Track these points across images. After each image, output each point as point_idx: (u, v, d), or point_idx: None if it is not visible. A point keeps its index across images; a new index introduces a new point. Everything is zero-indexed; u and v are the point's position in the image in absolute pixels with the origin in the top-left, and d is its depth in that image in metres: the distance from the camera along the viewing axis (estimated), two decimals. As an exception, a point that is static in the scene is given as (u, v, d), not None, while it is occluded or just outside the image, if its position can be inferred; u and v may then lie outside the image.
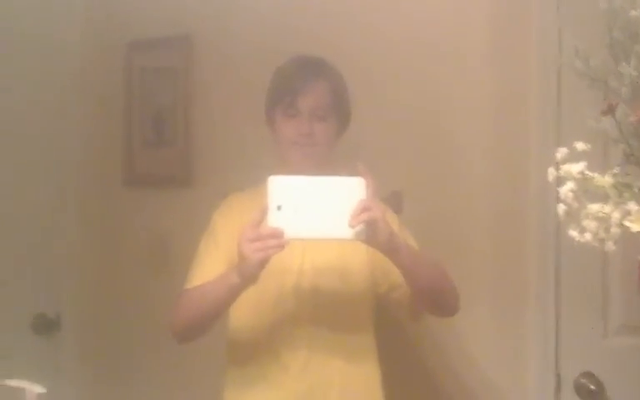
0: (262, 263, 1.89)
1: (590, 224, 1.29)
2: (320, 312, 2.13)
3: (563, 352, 2.56)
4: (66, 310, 3.07)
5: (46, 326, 3.04)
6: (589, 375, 2.54)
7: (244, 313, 2.14)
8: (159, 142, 2.97)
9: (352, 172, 1.89)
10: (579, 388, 2.54)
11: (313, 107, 2.16)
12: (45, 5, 2.88)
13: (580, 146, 1.33)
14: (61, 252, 3.05)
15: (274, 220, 1.85)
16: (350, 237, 1.87)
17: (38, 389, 1.38)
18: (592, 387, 2.52)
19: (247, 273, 1.92)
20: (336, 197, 1.86)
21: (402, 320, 2.39)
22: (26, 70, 2.90)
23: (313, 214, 1.86)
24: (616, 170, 1.30)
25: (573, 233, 1.31)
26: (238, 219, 2.09)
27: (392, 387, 2.23)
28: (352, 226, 1.85)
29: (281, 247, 1.87)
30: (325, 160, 2.17)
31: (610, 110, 1.23)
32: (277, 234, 1.86)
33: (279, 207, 1.85)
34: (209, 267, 2.15)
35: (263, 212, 1.87)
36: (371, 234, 1.88)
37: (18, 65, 2.88)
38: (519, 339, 2.61)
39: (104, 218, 2.98)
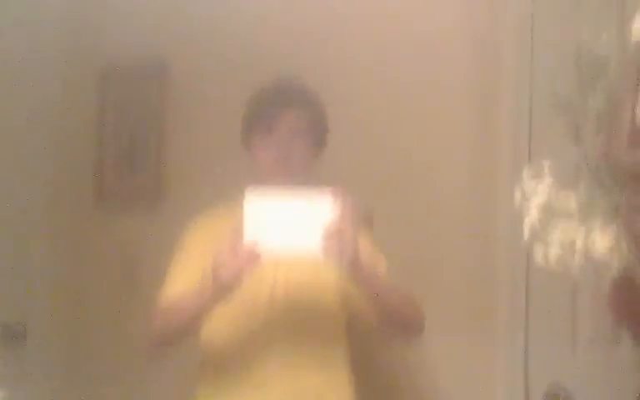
0: (238, 278, 1.90)
1: (555, 251, 1.29)
2: (293, 325, 2.13)
3: (532, 365, 2.57)
4: (32, 321, 3.04)
5: (11, 337, 3.00)
6: (558, 386, 2.55)
7: (217, 327, 2.13)
8: (131, 164, 2.99)
9: (327, 191, 1.89)
10: (548, 401, 2.55)
11: (290, 132, 2.16)
12: (20, 32, 2.89)
13: (546, 163, 1.33)
14: (29, 266, 3.02)
15: (250, 235, 1.86)
16: (322, 257, 1.88)
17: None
18: (562, 398, 2.53)
19: (222, 287, 1.93)
20: (311, 216, 1.87)
21: (371, 337, 2.38)
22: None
23: (288, 231, 1.87)
24: (581, 189, 1.30)
25: (539, 261, 1.31)
26: (209, 237, 2.08)
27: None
28: (323, 246, 1.86)
29: (255, 262, 1.88)
30: (301, 181, 2.15)
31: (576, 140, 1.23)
32: (252, 250, 1.87)
33: (255, 223, 1.86)
34: (181, 283, 2.13)
35: (239, 228, 1.87)
36: (339, 255, 1.89)
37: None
38: (488, 351, 2.62)
39: (74, 235, 2.97)
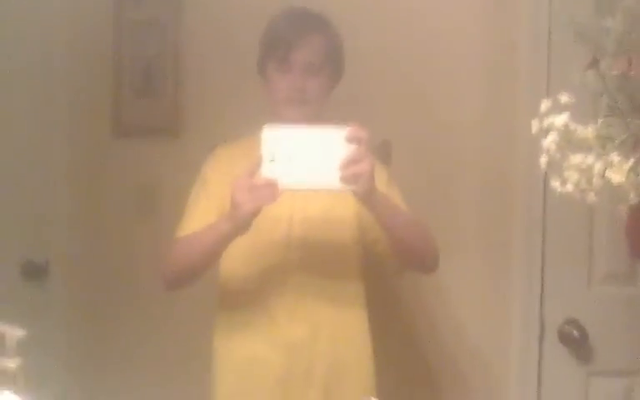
0: (255, 213, 1.91)
1: (572, 175, 1.30)
2: (309, 261, 2.14)
3: (548, 300, 2.59)
4: (54, 257, 3.07)
5: (34, 272, 3.04)
6: (573, 322, 2.57)
7: (234, 263, 2.15)
8: (148, 93, 2.96)
9: (344, 124, 1.89)
10: (563, 336, 2.58)
11: (307, 62, 2.13)
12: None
13: (564, 98, 1.33)
14: (50, 200, 3.04)
15: (268, 171, 1.87)
16: (339, 188, 1.89)
17: (18, 332, 1.39)
18: (576, 334, 2.56)
19: (239, 222, 1.94)
20: (328, 149, 1.87)
21: (386, 271, 2.40)
22: (13, 21, 2.87)
23: (305, 165, 1.88)
24: (599, 122, 1.30)
25: (555, 184, 1.32)
26: (228, 170, 2.09)
27: (377, 336, 2.25)
28: (341, 177, 1.86)
29: (274, 197, 1.89)
30: (317, 114, 2.15)
31: (594, 63, 1.23)
32: (270, 185, 1.88)
33: (273, 158, 1.87)
34: (200, 216, 2.15)
35: (257, 163, 1.88)
36: (357, 186, 1.89)
37: (4, 17, 2.85)
38: (504, 286, 2.64)
39: (93, 168, 2.97)
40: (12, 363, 1.37)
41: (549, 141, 1.31)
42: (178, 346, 2.77)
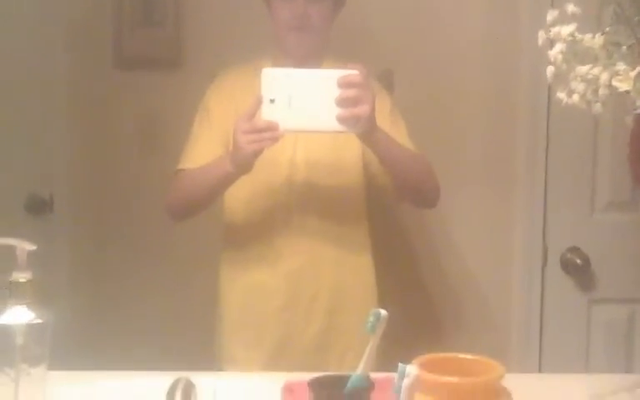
0: (256, 154, 1.91)
1: (578, 86, 1.30)
2: (312, 204, 2.14)
3: (550, 228, 2.60)
4: (58, 190, 3.07)
5: (39, 206, 3.04)
6: (576, 250, 2.59)
7: (237, 203, 2.16)
8: (149, 23, 2.95)
9: (346, 58, 1.87)
10: (565, 263, 2.60)
11: None
12: None
13: (570, 8, 1.32)
14: (52, 134, 3.03)
15: (268, 112, 1.87)
16: (339, 130, 1.88)
17: (28, 246, 1.40)
18: (578, 261, 2.58)
19: (241, 163, 1.95)
20: (328, 90, 1.85)
21: (387, 203, 2.41)
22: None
23: (306, 106, 1.86)
24: (606, 30, 1.30)
25: (561, 95, 1.32)
26: (231, 98, 2.09)
27: (380, 267, 2.27)
28: (340, 119, 1.85)
29: (275, 139, 1.89)
30: (320, 43, 2.13)
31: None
32: (271, 127, 1.87)
33: (272, 100, 1.86)
34: (203, 146, 2.15)
35: (257, 104, 1.87)
36: (356, 128, 1.89)
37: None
38: (507, 213, 2.65)
39: (94, 99, 2.95)
40: (22, 277, 1.38)
41: (555, 51, 1.30)
42: (183, 278, 2.78)
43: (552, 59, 1.29)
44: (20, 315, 1.37)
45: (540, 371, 2.59)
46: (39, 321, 1.37)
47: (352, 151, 2.13)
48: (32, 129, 2.97)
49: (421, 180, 2.15)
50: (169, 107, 2.77)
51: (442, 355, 1.33)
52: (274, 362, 2.12)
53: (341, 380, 1.31)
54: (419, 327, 2.64)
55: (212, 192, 2.12)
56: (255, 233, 2.16)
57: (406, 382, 1.20)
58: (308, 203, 2.13)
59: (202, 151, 2.14)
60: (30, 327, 1.37)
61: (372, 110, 1.88)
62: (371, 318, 1.30)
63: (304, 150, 2.13)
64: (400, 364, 1.21)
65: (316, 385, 1.32)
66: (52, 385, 1.43)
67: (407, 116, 2.22)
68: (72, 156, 2.99)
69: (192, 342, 2.41)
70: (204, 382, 1.46)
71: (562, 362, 2.54)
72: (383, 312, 1.29)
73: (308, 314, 2.15)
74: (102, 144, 2.94)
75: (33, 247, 1.41)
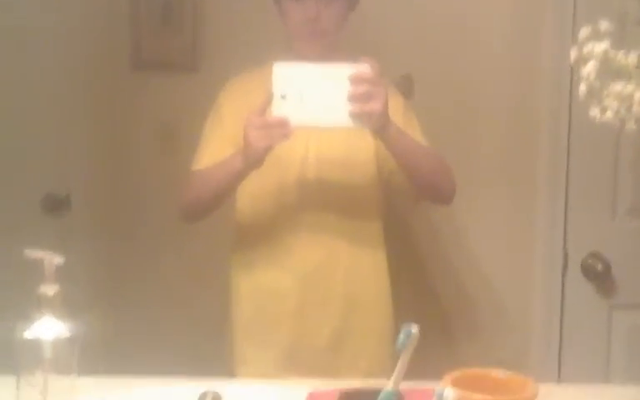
0: (267, 150, 1.91)
1: (612, 103, 1.28)
2: (324, 201, 2.12)
3: (571, 233, 2.59)
4: (75, 190, 3.08)
5: (55, 205, 3.06)
6: (596, 255, 2.57)
7: (249, 201, 2.15)
8: (167, 28, 2.98)
9: (358, 57, 1.86)
10: (586, 268, 2.58)
11: None
12: None
13: (604, 25, 1.31)
14: (70, 133, 3.04)
15: (279, 108, 1.85)
16: (352, 126, 1.87)
17: (57, 259, 1.40)
18: (599, 267, 2.56)
19: (252, 159, 1.94)
20: (340, 86, 1.84)
21: (405, 204, 2.39)
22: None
23: (317, 102, 1.85)
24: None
25: (594, 112, 1.31)
26: (243, 101, 2.07)
27: (397, 270, 2.26)
28: (352, 115, 1.84)
29: (286, 135, 1.88)
30: (332, 44, 2.11)
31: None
32: (282, 123, 1.86)
33: (284, 96, 1.85)
34: (215, 147, 2.15)
35: (269, 100, 1.87)
36: (369, 124, 1.88)
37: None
38: (528, 219, 2.64)
39: (112, 101, 2.97)
40: (50, 290, 1.39)
41: (588, 68, 1.29)
42: (197, 278, 2.79)
43: (585, 77, 1.28)
44: (49, 328, 1.37)
45: (559, 378, 2.58)
46: (68, 334, 1.38)
47: (365, 148, 2.12)
48: (50, 129, 2.99)
49: (436, 175, 2.13)
50: (185, 110, 2.77)
51: (473, 371, 1.32)
52: (286, 364, 2.11)
53: (371, 395, 1.32)
54: (435, 335, 2.61)
55: (223, 189, 2.11)
56: (267, 233, 2.15)
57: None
58: (321, 201, 2.12)
59: (214, 152, 2.13)
60: (58, 340, 1.37)
61: (385, 106, 1.86)
62: (401, 336, 1.29)
63: (316, 148, 2.12)
64: (437, 388, 1.21)
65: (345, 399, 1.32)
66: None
67: (427, 120, 2.21)
68: (89, 156, 3.00)
69: (205, 345, 2.42)
70: (229, 391, 1.46)
71: (582, 369, 2.52)
72: (414, 329, 1.29)
73: (321, 315, 2.14)
74: (118, 145, 2.96)
75: (61, 261, 1.41)
